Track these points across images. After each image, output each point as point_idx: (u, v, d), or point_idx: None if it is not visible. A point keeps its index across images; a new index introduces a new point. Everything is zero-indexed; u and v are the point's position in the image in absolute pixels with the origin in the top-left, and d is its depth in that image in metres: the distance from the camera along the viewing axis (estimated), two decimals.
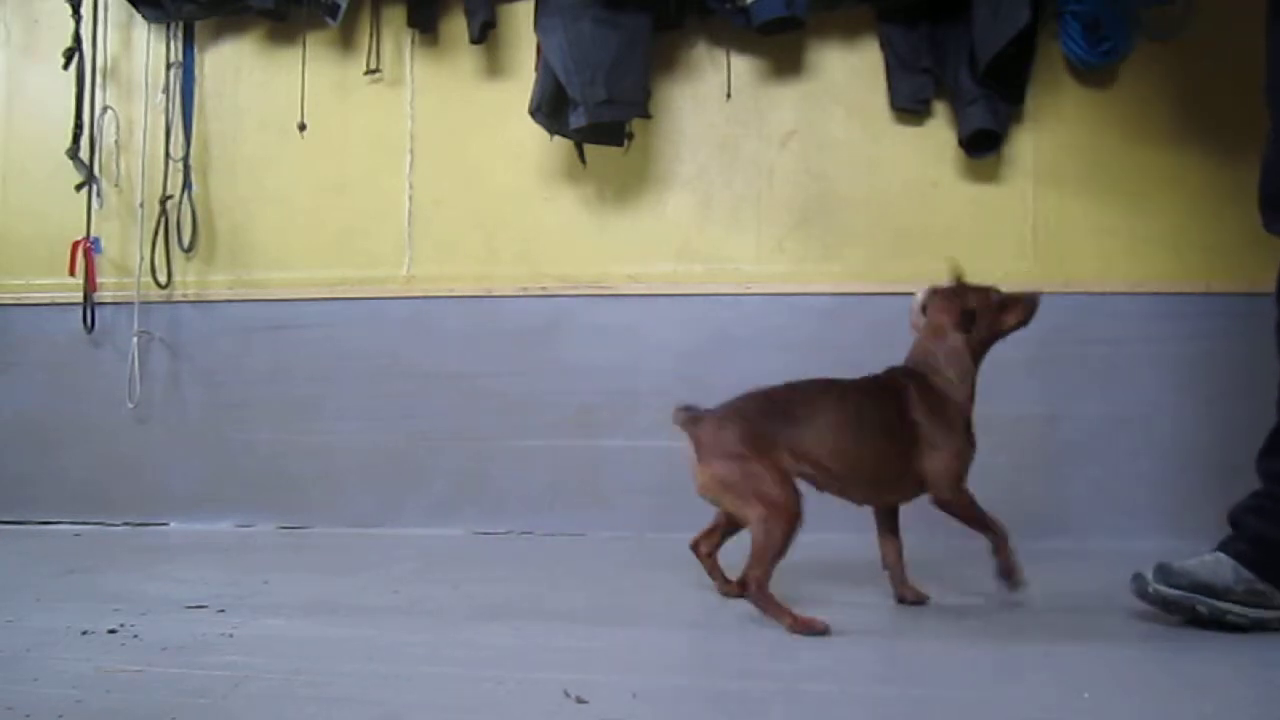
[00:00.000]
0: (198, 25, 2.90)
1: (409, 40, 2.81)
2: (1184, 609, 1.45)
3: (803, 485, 1.73)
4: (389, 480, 2.73)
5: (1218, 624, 1.43)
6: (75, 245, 2.86)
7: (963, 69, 2.49)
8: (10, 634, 1.44)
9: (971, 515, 1.77)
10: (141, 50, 2.92)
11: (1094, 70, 2.52)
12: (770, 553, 1.57)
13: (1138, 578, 1.51)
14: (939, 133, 2.61)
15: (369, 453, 2.74)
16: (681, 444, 2.62)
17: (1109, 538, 2.40)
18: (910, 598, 1.80)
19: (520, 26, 2.72)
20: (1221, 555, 1.48)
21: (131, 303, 2.84)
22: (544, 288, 2.70)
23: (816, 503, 2.53)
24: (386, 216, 2.79)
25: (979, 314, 1.83)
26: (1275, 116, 1.53)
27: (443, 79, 2.80)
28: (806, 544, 2.42)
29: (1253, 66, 1.66)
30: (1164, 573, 1.48)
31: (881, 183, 2.63)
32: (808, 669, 1.26)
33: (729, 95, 2.68)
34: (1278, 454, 1.50)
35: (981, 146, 2.54)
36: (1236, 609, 1.44)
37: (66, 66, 2.86)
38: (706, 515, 2.58)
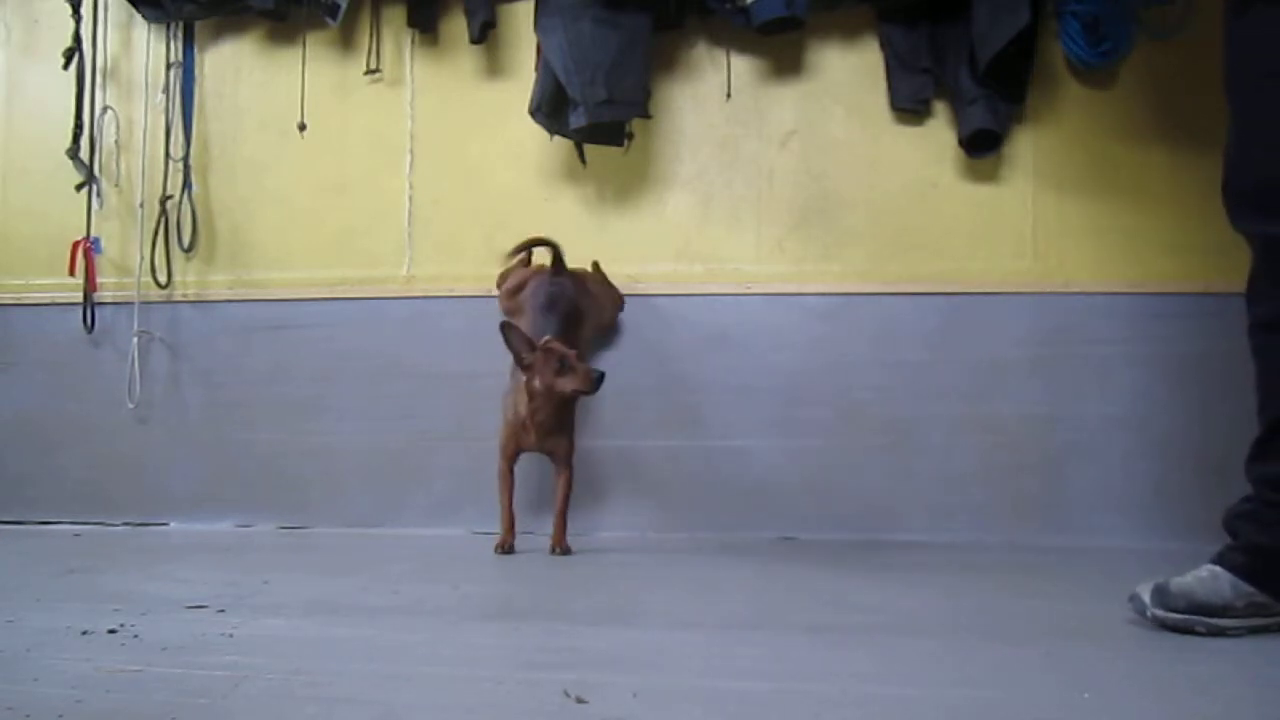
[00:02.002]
0: (198, 25, 2.90)
1: (409, 40, 2.81)
2: (1183, 631, 1.44)
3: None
4: (389, 480, 2.73)
5: (1217, 637, 1.43)
6: (75, 245, 2.86)
7: (963, 69, 2.50)
8: (10, 634, 1.43)
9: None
10: (141, 50, 2.92)
11: (1094, 70, 2.52)
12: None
13: (1135, 599, 1.49)
14: (939, 133, 2.61)
15: (369, 453, 2.74)
16: (680, 443, 2.64)
17: (1109, 537, 2.41)
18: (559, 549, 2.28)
19: (520, 26, 2.72)
20: (1218, 569, 1.45)
21: (131, 303, 2.84)
22: None
23: (817, 503, 2.54)
24: (386, 216, 2.79)
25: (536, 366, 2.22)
26: (1235, 111, 1.51)
27: (443, 79, 2.80)
28: (807, 543, 2.43)
29: None
30: (1161, 595, 1.45)
31: (881, 183, 2.63)
32: (808, 669, 1.26)
33: (729, 95, 2.68)
34: (1264, 459, 1.49)
35: (981, 146, 2.55)
36: (1235, 624, 1.42)
37: (66, 66, 2.86)
38: (706, 514, 2.59)
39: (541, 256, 2.56)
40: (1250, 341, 1.51)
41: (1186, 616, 1.43)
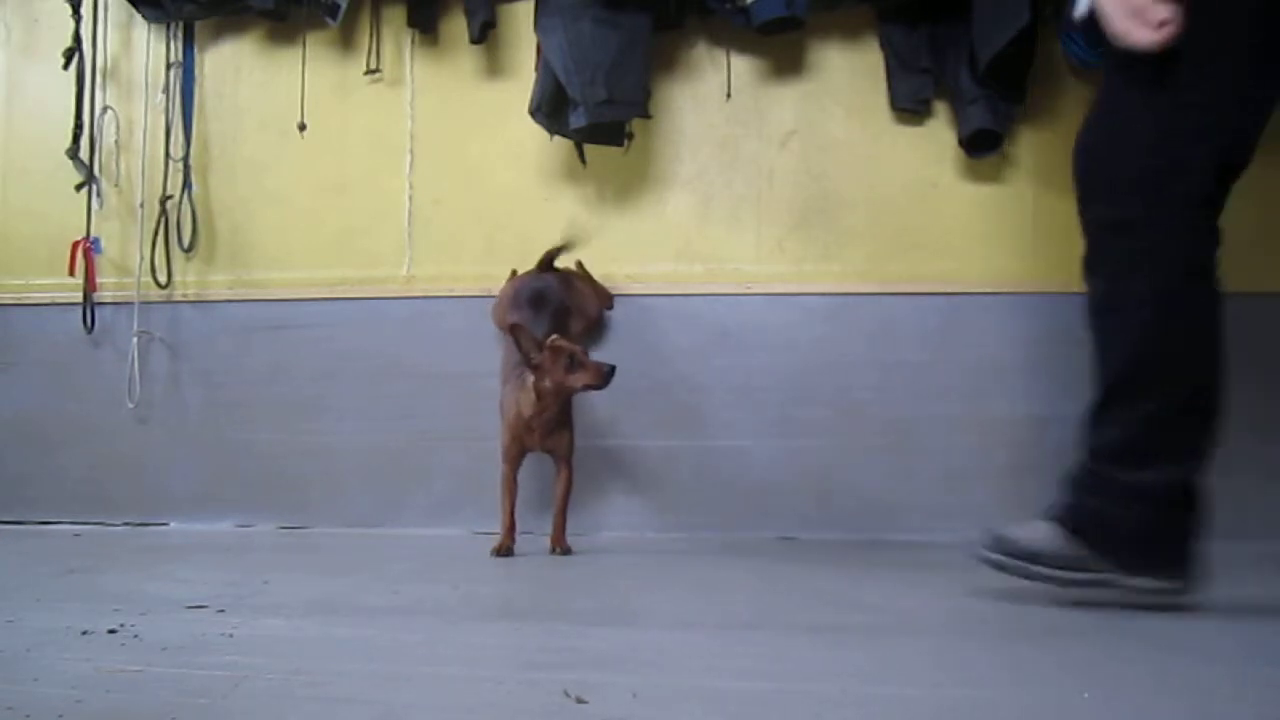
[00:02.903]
0: (198, 25, 2.90)
1: (409, 40, 2.81)
2: (1012, 572, 1.60)
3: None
4: (389, 480, 2.73)
5: (1043, 582, 1.59)
6: (75, 245, 2.86)
7: (963, 69, 2.50)
8: (10, 634, 1.43)
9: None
10: (141, 50, 2.92)
11: (1094, 70, 2.52)
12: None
13: (971, 544, 1.65)
14: (939, 133, 2.61)
15: (369, 453, 2.74)
16: (680, 443, 2.64)
17: None
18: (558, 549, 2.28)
19: (520, 26, 2.72)
20: (1050, 524, 1.62)
21: (131, 303, 2.84)
22: None
23: (817, 503, 2.54)
24: (386, 216, 2.80)
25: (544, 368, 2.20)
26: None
27: (443, 79, 2.80)
28: (807, 543, 2.43)
29: None
30: (998, 541, 1.62)
31: (881, 183, 2.63)
32: (808, 669, 1.26)
33: (729, 95, 2.68)
34: (1091, 426, 1.62)
35: (982, 146, 2.55)
36: (1058, 573, 1.58)
37: (66, 66, 2.86)
38: (706, 514, 2.59)
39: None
40: (1090, 323, 1.62)
41: (1015, 561, 1.60)
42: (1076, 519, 1.60)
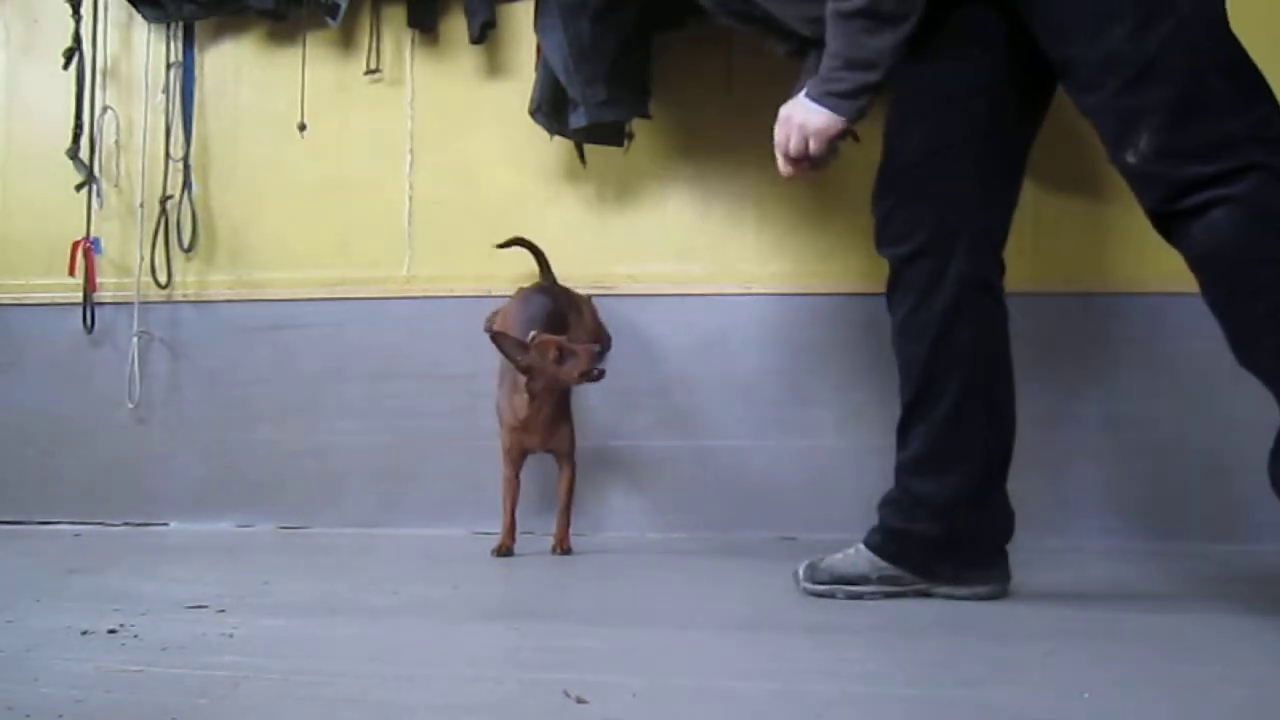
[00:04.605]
0: (198, 25, 2.90)
1: (409, 40, 2.81)
2: (841, 597, 1.70)
3: None
4: (389, 480, 2.73)
5: (875, 599, 1.69)
6: (75, 245, 2.86)
7: None
8: (10, 634, 1.44)
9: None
10: (141, 50, 2.92)
11: None
12: None
13: (795, 574, 1.75)
14: None
15: (369, 453, 2.74)
16: (680, 443, 2.63)
17: (1109, 537, 2.40)
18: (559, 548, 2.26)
19: (520, 26, 2.72)
20: (861, 547, 1.73)
21: (131, 303, 2.84)
22: None
23: (817, 503, 2.54)
24: (386, 216, 2.79)
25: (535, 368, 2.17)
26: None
27: (443, 79, 2.80)
28: (807, 543, 2.43)
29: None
30: (811, 570, 1.73)
31: None
32: (808, 669, 1.26)
33: (729, 94, 2.67)
34: (898, 444, 1.73)
35: None
36: (870, 590, 1.69)
37: (66, 66, 2.85)
38: (706, 514, 2.59)
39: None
40: (893, 342, 1.76)
41: (829, 586, 1.70)
42: (883, 542, 1.71)
